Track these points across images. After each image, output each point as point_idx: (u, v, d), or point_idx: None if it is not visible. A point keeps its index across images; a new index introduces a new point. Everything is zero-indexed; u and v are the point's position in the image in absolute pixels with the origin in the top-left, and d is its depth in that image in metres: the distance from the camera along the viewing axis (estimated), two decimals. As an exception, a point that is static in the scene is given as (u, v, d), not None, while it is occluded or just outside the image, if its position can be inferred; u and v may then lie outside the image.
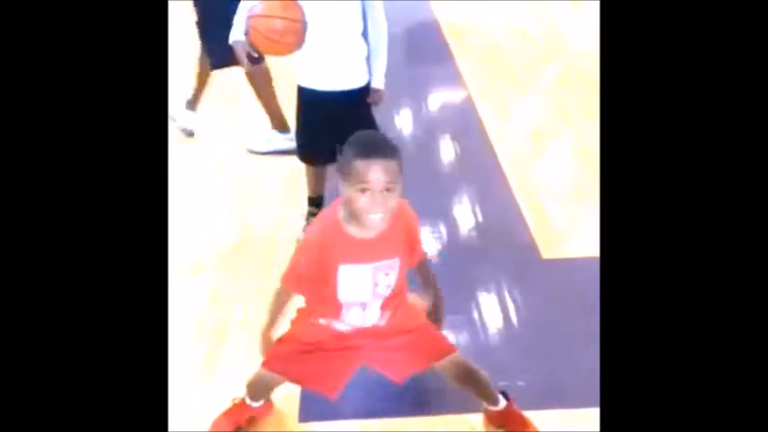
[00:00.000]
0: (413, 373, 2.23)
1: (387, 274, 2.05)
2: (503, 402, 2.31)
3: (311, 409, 2.47)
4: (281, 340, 2.25)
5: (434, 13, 7.17)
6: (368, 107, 3.20)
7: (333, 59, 3.05)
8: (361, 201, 1.87)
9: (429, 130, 4.77)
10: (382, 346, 2.20)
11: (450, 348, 2.22)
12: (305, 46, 2.98)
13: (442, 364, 2.19)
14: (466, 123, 4.80)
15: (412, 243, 2.13)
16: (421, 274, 2.31)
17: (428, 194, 3.90)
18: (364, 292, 2.05)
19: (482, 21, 6.87)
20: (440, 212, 3.73)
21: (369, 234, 1.98)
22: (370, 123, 3.26)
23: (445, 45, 6.28)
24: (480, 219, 3.67)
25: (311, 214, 3.41)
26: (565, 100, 5.11)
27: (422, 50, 6.41)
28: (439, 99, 5.35)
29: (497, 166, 4.18)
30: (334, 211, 2.03)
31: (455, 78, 5.53)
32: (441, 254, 3.38)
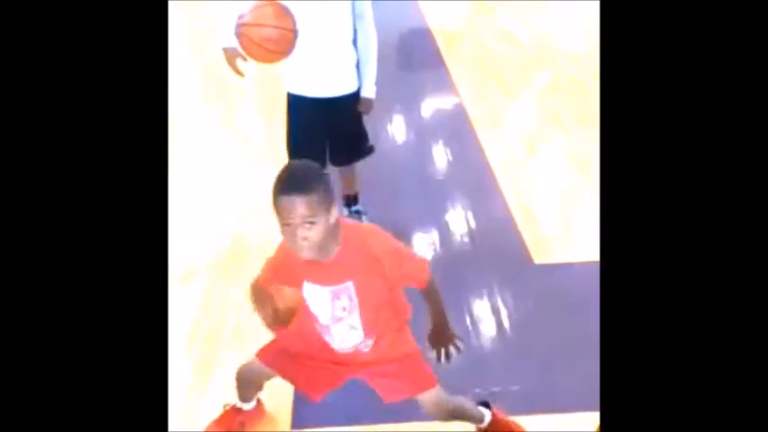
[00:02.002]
0: (398, 399, 2.20)
1: (338, 299, 2.02)
2: (488, 416, 2.31)
3: (304, 414, 2.48)
4: (278, 334, 2.22)
5: (425, 19, 7.19)
6: (357, 114, 3.21)
7: (320, 66, 3.06)
8: (285, 234, 1.86)
9: (421, 137, 4.79)
10: (369, 370, 2.20)
11: (431, 382, 2.17)
12: (294, 53, 2.98)
13: (424, 398, 2.17)
14: (457, 129, 4.82)
15: (376, 267, 1.99)
16: (425, 298, 2.18)
17: (420, 200, 3.91)
18: (324, 313, 2.05)
19: (473, 27, 6.90)
20: (432, 218, 3.74)
21: (320, 258, 1.94)
22: (358, 130, 3.28)
23: (436, 51, 6.30)
24: (472, 224, 3.68)
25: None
26: (556, 105, 5.14)
27: (413, 57, 6.44)
28: (430, 105, 5.37)
29: (489, 171, 4.20)
30: None
31: (446, 85, 5.55)
32: (433, 260, 3.39)
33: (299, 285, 2.01)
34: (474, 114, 4.99)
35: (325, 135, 3.23)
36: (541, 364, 2.69)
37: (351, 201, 3.58)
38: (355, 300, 2.01)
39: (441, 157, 4.48)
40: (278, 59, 2.98)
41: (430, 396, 2.16)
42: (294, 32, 2.88)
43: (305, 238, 1.82)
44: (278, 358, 2.21)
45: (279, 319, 1.94)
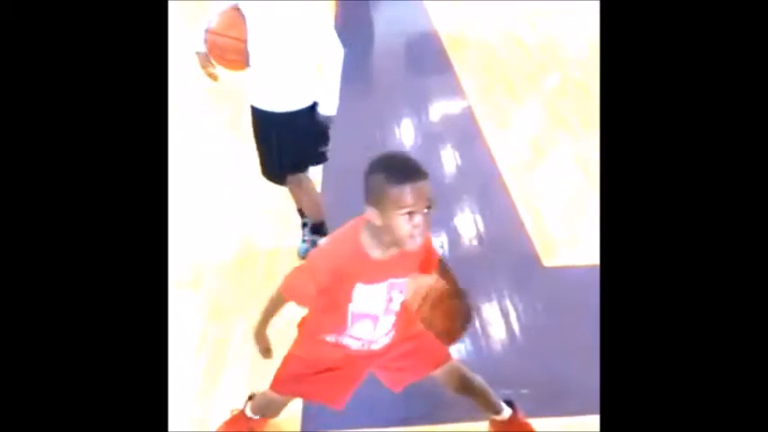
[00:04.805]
0: (411, 382, 2.23)
1: (401, 292, 2.03)
2: (507, 411, 2.30)
3: (314, 418, 2.47)
4: (285, 361, 2.23)
5: (433, 24, 7.19)
6: (312, 129, 3.12)
7: (273, 80, 3.02)
8: (404, 225, 1.83)
9: (429, 140, 4.79)
10: (384, 357, 2.19)
11: (446, 356, 2.20)
12: (251, 65, 3.00)
13: (439, 372, 2.18)
14: (465, 133, 4.82)
15: (427, 258, 2.10)
16: (441, 272, 2.18)
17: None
18: (378, 306, 2.05)
19: (481, 31, 6.90)
20: (441, 222, 3.73)
21: (389, 254, 1.95)
22: (313, 145, 3.18)
23: (444, 56, 6.30)
24: (481, 227, 3.68)
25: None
26: (563, 109, 5.13)
27: (421, 61, 6.44)
28: (438, 109, 5.37)
29: (497, 175, 4.19)
30: (354, 234, 1.97)
31: (454, 88, 5.55)
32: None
33: (348, 293, 1.99)
34: (482, 118, 4.98)
35: (283, 148, 3.17)
36: (550, 367, 2.68)
37: (316, 228, 3.40)
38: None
39: (449, 160, 4.48)
40: (237, 68, 3.05)
41: (446, 369, 2.18)
42: (245, 43, 2.92)
43: (425, 225, 1.84)
44: (293, 384, 2.21)
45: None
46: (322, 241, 3.22)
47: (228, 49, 2.95)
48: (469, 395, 2.25)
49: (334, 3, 7.61)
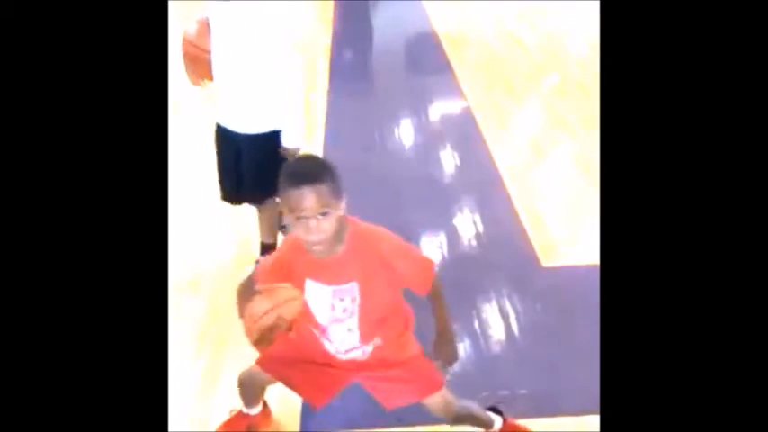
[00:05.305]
0: (401, 405, 2.19)
1: (341, 300, 1.99)
2: (498, 422, 2.30)
3: (312, 418, 2.47)
4: (279, 340, 2.21)
5: (432, 24, 7.19)
6: (272, 155, 2.93)
7: (234, 98, 2.94)
8: (297, 228, 1.83)
9: (428, 140, 4.79)
10: (371, 375, 2.17)
11: (438, 385, 2.15)
12: (217, 81, 2.94)
13: (430, 401, 2.15)
14: (465, 133, 4.82)
15: (383, 268, 1.97)
16: (431, 304, 2.14)
17: (428, 204, 3.91)
18: (324, 313, 2.02)
19: (480, 31, 6.90)
20: (440, 222, 3.74)
21: (324, 256, 1.92)
22: (269, 171, 2.86)
23: (444, 56, 6.30)
24: (480, 228, 3.68)
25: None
26: (563, 109, 5.13)
27: (421, 61, 6.44)
28: (437, 109, 5.37)
29: (497, 175, 4.19)
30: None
31: (453, 88, 5.55)
32: (441, 263, 3.38)
33: (300, 284, 1.96)
34: (481, 118, 4.99)
35: (243, 169, 3.07)
36: (550, 368, 2.68)
37: (265, 249, 3.27)
38: (358, 301, 1.98)
39: (448, 160, 4.48)
40: (199, 78, 3.01)
41: (437, 398, 2.14)
42: (209, 54, 2.88)
43: (319, 231, 1.81)
44: (278, 365, 2.19)
45: (267, 332, 1.82)
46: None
47: (194, 60, 2.89)
48: (464, 422, 2.24)
49: (333, 3, 7.61)
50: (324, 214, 1.79)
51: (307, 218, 1.79)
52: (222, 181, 3.19)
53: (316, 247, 1.86)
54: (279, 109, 2.90)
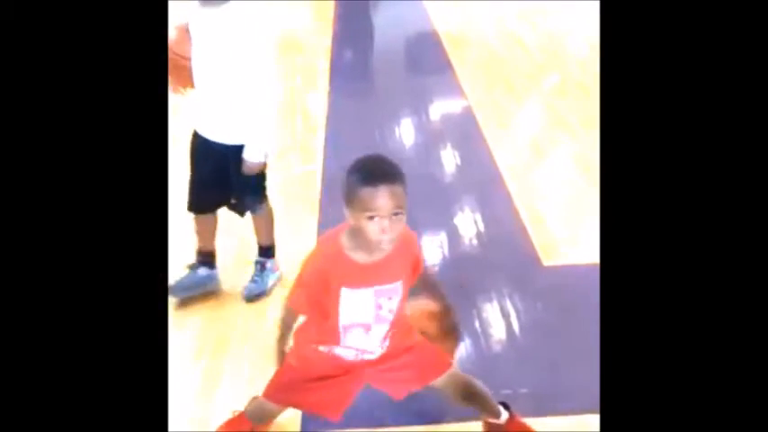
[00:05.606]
0: (412, 391, 2.21)
1: (390, 299, 2.02)
2: (504, 415, 2.29)
3: (314, 419, 2.47)
4: (280, 370, 2.21)
5: (433, 23, 7.19)
6: (242, 173, 2.90)
7: (215, 110, 2.86)
8: (370, 228, 1.83)
9: (429, 140, 4.79)
10: (381, 368, 2.17)
11: (446, 365, 2.18)
12: (198, 89, 2.87)
13: (440, 382, 2.16)
14: (465, 132, 4.81)
15: (415, 264, 2.10)
16: (424, 285, 2.23)
17: (429, 204, 3.90)
18: (367, 314, 2.02)
19: (480, 31, 6.89)
20: (441, 221, 3.73)
21: (372, 259, 1.95)
22: (249, 183, 2.96)
23: (444, 55, 6.30)
24: (481, 227, 3.68)
25: (191, 267, 3.14)
26: (563, 109, 5.13)
27: (421, 61, 6.43)
28: (438, 108, 5.37)
29: (497, 174, 4.19)
30: (335, 237, 1.99)
31: (454, 88, 5.55)
32: (442, 262, 3.38)
33: (335, 299, 1.97)
34: (482, 117, 4.98)
35: (219, 179, 2.98)
36: (551, 367, 2.68)
37: (263, 252, 3.22)
38: (400, 299, 2.02)
39: (449, 160, 4.48)
40: (179, 86, 2.93)
41: (445, 379, 2.16)
42: (189, 61, 2.82)
43: (392, 230, 1.84)
44: (286, 392, 2.19)
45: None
46: (270, 263, 3.16)
47: (173, 66, 2.79)
48: (473, 402, 2.24)
49: (333, 3, 7.60)
50: (396, 214, 1.83)
51: (381, 217, 1.81)
52: (192, 191, 3.05)
53: (385, 246, 1.88)
54: (246, 121, 2.80)
